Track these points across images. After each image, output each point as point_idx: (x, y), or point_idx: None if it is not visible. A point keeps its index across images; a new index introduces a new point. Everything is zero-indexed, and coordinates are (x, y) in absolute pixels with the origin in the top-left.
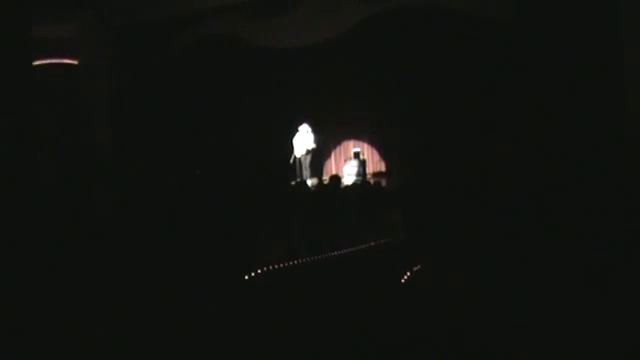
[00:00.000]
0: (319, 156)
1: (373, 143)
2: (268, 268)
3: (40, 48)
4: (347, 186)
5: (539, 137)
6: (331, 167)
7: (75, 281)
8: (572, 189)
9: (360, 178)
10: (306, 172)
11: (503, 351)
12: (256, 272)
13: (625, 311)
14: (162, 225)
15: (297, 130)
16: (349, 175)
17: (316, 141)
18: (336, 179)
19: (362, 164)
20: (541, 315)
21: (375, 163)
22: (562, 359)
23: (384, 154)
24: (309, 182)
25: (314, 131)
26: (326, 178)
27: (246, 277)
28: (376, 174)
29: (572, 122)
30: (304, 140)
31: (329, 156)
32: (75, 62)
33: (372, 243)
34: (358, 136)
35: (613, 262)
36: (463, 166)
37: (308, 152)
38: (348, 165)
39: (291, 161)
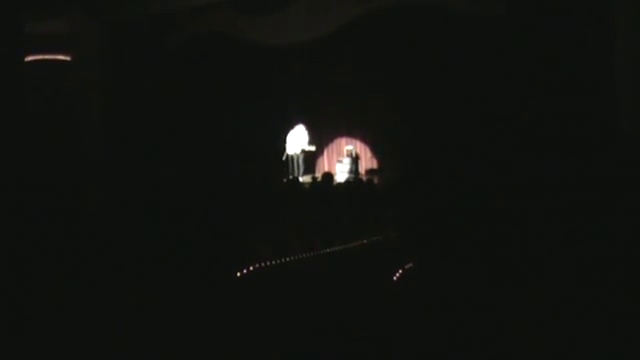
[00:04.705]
0: (312, 153)
1: (366, 140)
2: (259, 265)
3: (32, 44)
4: (339, 183)
5: (534, 135)
6: (324, 164)
7: (67, 280)
8: (567, 189)
9: (353, 175)
10: (299, 169)
11: (498, 350)
12: (247, 269)
13: (624, 312)
14: (153, 222)
15: (291, 127)
16: (342, 172)
17: (312, 142)
18: (329, 176)
19: (355, 161)
20: (538, 315)
21: (367, 160)
22: (559, 358)
23: (377, 151)
24: (301, 179)
25: (308, 129)
26: (319, 175)
27: (237, 274)
28: (369, 171)
29: (567, 119)
30: (298, 139)
31: (322, 153)
32: (68, 58)
33: (364, 241)
34: (351, 133)
35: (611, 262)
36: (457, 164)
37: (304, 152)
38: (340, 163)
39: (284, 158)
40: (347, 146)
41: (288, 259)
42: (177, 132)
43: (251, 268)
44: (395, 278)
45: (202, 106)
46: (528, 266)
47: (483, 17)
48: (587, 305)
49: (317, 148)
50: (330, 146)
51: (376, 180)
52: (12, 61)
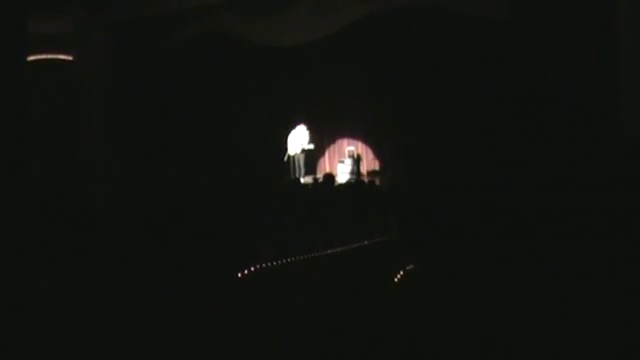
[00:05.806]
0: (313, 154)
1: (367, 142)
2: (260, 266)
3: (34, 43)
4: (341, 184)
5: (535, 137)
6: (325, 165)
7: (67, 278)
8: (569, 190)
9: (354, 176)
10: (300, 170)
11: (499, 350)
12: (248, 270)
13: (625, 311)
14: (155, 222)
15: (292, 128)
16: (343, 173)
17: (312, 141)
18: (330, 177)
19: (356, 163)
20: (538, 315)
21: (369, 162)
22: (559, 359)
23: (378, 153)
24: (303, 180)
25: (310, 130)
26: (320, 176)
27: (239, 275)
28: (370, 173)
29: (568, 122)
30: (299, 139)
31: (323, 154)
32: (69, 58)
33: (365, 242)
34: (352, 135)
35: (611, 261)
36: (458, 165)
37: (304, 151)
38: (342, 164)
39: (285, 159)
40: (349, 147)
41: (289, 260)
42: (178, 132)
43: (252, 269)
44: (396, 279)
45: (203, 107)
46: (529, 266)
47: (485, 19)
48: (587, 305)
49: (319, 149)
50: (332, 147)
51: (378, 181)
52: (14, 60)
